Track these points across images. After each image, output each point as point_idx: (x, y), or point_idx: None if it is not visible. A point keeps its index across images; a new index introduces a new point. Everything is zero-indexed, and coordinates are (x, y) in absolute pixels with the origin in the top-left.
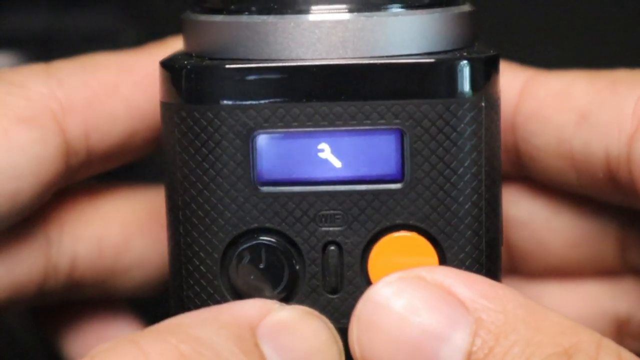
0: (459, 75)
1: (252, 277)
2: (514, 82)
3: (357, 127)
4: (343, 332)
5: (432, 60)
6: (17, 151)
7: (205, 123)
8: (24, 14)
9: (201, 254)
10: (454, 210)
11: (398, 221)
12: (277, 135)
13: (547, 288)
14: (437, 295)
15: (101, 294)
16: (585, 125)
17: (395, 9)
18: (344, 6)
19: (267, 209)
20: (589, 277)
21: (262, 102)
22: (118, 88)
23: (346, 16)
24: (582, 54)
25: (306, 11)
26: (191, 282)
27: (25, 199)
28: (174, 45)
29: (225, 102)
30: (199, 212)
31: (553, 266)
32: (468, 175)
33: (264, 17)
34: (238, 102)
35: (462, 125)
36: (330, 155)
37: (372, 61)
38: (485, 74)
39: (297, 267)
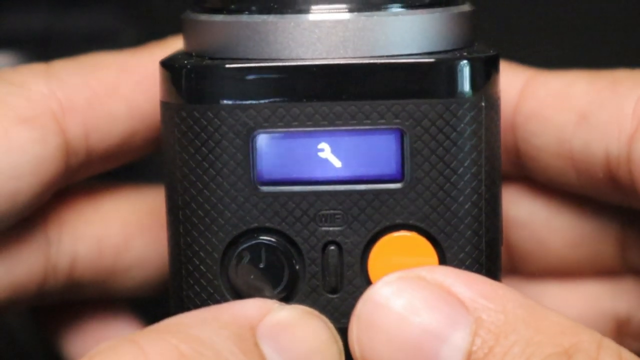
0: (459, 75)
1: (252, 276)
2: (514, 82)
3: (357, 127)
4: (343, 332)
5: (432, 60)
6: (17, 151)
7: (205, 123)
8: (24, 14)
9: (201, 253)
10: (454, 210)
11: (398, 221)
12: (277, 134)
13: (547, 288)
14: (437, 295)
15: (101, 294)
16: (585, 125)
17: (396, 8)
18: (344, 6)
19: (267, 208)
20: (589, 277)
21: (262, 101)
22: (118, 88)
23: (346, 16)
24: (582, 54)
25: (306, 11)
26: (191, 281)
27: (25, 199)
28: (174, 45)
29: (225, 101)
30: (199, 212)
31: (553, 266)
32: (468, 175)
33: (264, 17)
34: (238, 102)
35: (462, 125)
36: (330, 155)
37: (372, 61)
38: (485, 74)
39: (297, 267)
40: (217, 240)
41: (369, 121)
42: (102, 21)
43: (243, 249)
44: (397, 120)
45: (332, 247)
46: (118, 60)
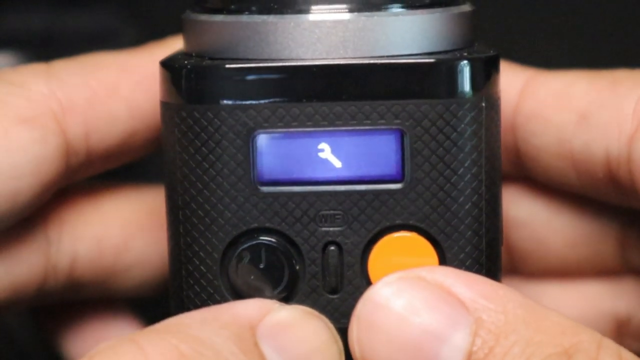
0: (459, 75)
1: (252, 277)
2: (514, 82)
3: (357, 127)
4: (343, 332)
5: (432, 60)
6: (17, 151)
7: (205, 123)
8: (24, 14)
9: (201, 253)
10: (454, 210)
11: (398, 221)
12: (277, 135)
13: (547, 288)
14: (437, 295)
15: (101, 294)
16: (585, 125)
17: (396, 8)
18: (344, 6)
19: (267, 208)
20: (589, 277)
21: (262, 102)
22: (118, 88)
23: (346, 16)
24: (582, 54)
25: (306, 11)
26: (191, 282)
27: (25, 199)
28: (174, 45)
29: (225, 102)
30: (199, 212)
31: (553, 266)
32: (468, 176)
33: (264, 17)
34: (238, 102)
35: (463, 125)
36: (331, 155)
37: (372, 61)
38: (486, 74)
39: (297, 267)
40: (217, 240)
41: (369, 121)
42: (102, 21)
43: (243, 249)
44: (397, 121)
45: (332, 248)
46: (118, 60)
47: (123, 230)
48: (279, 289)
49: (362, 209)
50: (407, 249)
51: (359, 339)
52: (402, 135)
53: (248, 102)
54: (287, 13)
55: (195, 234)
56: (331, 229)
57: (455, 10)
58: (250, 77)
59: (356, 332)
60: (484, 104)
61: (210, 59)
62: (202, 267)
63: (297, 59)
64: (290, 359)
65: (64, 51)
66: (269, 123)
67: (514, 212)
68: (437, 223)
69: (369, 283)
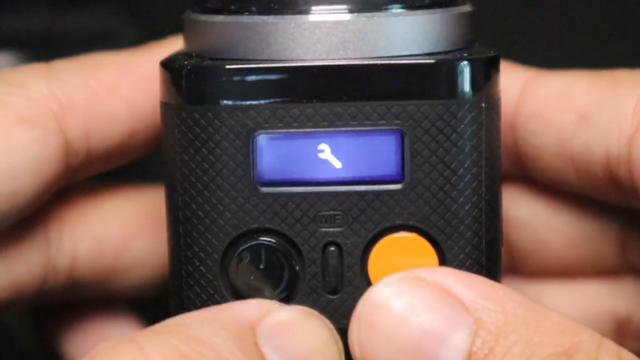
0: (459, 75)
1: (252, 277)
2: (514, 82)
3: (358, 128)
4: (343, 333)
5: (432, 60)
6: (17, 151)
7: (205, 123)
8: (24, 14)
9: (201, 254)
10: (454, 211)
11: (398, 222)
12: (277, 135)
13: (547, 288)
14: (437, 295)
15: (101, 294)
16: (585, 125)
17: (396, 9)
18: (344, 7)
19: (267, 209)
20: (589, 277)
21: (262, 102)
22: (118, 88)
23: (346, 17)
24: (582, 54)
25: (306, 11)
26: (191, 282)
27: (25, 199)
28: (174, 45)
29: (225, 102)
30: (199, 213)
31: (553, 266)
32: (468, 176)
33: (264, 18)
34: (238, 103)
35: (463, 126)
36: (331, 156)
37: (372, 62)
38: (486, 75)
39: (297, 268)
40: (217, 240)
41: (369, 122)
42: (102, 21)
43: (243, 250)
44: (398, 121)
45: (332, 248)
46: (118, 60)
47: (123, 230)
48: (279, 289)
49: (362, 209)
50: (407, 250)
51: (359, 339)
52: (402, 135)
53: (248, 103)
54: (287, 13)
55: (195, 234)
56: (331, 229)
57: (455, 10)
58: (250, 78)
59: (356, 333)
60: (484, 105)
61: (211, 59)
62: (202, 268)
63: (297, 60)
64: (290, 359)
65: (64, 51)
66: (269, 124)
67: (514, 212)
68: (437, 223)
69: (369, 284)
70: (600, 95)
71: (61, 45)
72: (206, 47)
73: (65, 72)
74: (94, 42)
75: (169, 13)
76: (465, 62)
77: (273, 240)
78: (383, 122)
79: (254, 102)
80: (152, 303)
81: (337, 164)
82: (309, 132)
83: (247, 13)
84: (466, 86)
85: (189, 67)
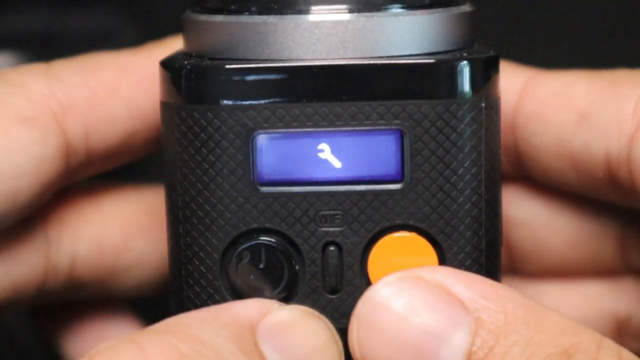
0: (459, 75)
1: (252, 277)
2: (514, 82)
3: (357, 128)
4: (343, 332)
5: (432, 60)
6: (17, 151)
7: (205, 123)
8: (24, 14)
9: (201, 254)
10: (454, 210)
11: (398, 221)
12: (277, 135)
13: (547, 288)
14: (436, 295)
15: (101, 294)
16: (585, 125)
17: (396, 9)
18: (344, 6)
19: (267, 209)
20: (589, 277)
21: (262, 102)
22: (118, 88)
23: (346, 16)
24: (582, 54)
25: (306, 11)
26: (191, 282)
27: (25, 199)
28: (174, 45)
29: (225, 102)
30: (199, 212)
31: (553, 266)
32: (468, 176)
33: (264, 17)
34: (238, 102)
35: (462, 125)
36: (330, 156)
37: (372, 61)
38: (486, 75)
39: (297, 267)
40: (217, 240)
41: (369, 122)
42: (102, 21)
43: (243, 250)
44: (397, 121)
45: (332, 248)
46: (118, 60)
47: (123, 230)
48: (279, 289)
49: (362, 209)
50: (407, 249)
51: (358, 339)
52: (401, 135)
53: (248, 103)
54: (287, 13)
55: (195, 234)
56: (331, 229)
57: (455, 10)
58: (250, 78)
59: (356, 332)
60: (483, 104)
61: (210, 59)
62: (202, 268)
63: (297, 60)
64: (290, 359)
65: (64, 51)
66: (268, 123)
67: (514, 212)
68: (437, 223)
69: (368, 283)
70: (600, 95)
71: (61, 45)
72: (206, 47)
73: (65, 72)
74: (94, 42)
75: (169, 13)
76: (465, 62)
77: (273, 240)
78: (383, 121)
79: (253, 102)
80: (152, 303)
81: (337, 164)
82: (309, 132)
83: (247, 13)
84: (466, 86)
85: (188, 67)
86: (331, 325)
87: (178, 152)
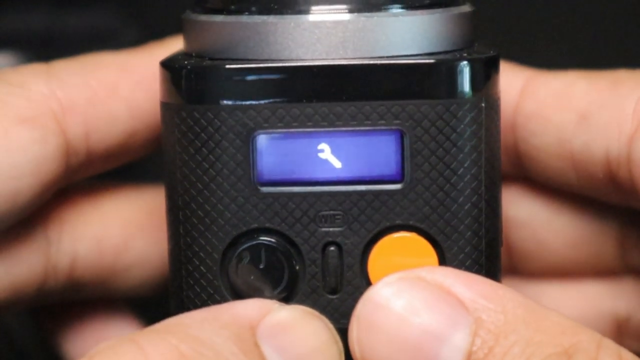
0: (459, 75)
1: (252, 277)
2: (514, 82)
3: (357, 128)
4: (343, 333)
5: (432, 60)
6: (17, 151)
7: (205, 123)
8: (24, 14)
9: (201, 254)
10: (454, 211)
11: (398, 222)
12: (277, 135)
13: (547, 288)
14: (437, 295)
15: (101, 294)
16: (585, 125)
17: (396, 9)
18: (344, 6)
19: (267, 209)
20: (589, 277)
21: (262, 102)
22: (118, 88)
23: (346, 16)
24: (582, 54)
25: (306, 11)
26: (191, 282)
27: (25, 199)
28: (174, 45)
29: (225, 102)
30: (199, 212)
31: (553, 266)
32: (468, 176)
33: (264, 17)
34: (238, 103)
35: (462, 125)
36: (330, 156)
37: (372, 62)
38: (486, 75)
39: (297, 268)
40: (217, 240)
41: (369, 122)
42: (102, 21)
43: (243, 250)
44: (397, 121)
45: (332, 248)
46: (118, 60)
47: (123, 230)
48: (279, 289)
49: (362, 209)
50: (407, 250)
51: (359, 339)
52: (401, 135)
53: (248, 103)
54: (287, 13)
55: (195, 234)
56: (331, 229)
57: (455, 10)
58: (250, 78)
59: (356, 333)
60: (483, 105)
61: (211, 59)
62: (202, 268)
63: (297, 60)
64: (290, 359)
65: (64, 51)
66: (269, 123)
67: (514, 212)
68: (437, 223)
69: (368, 283)
70: (600, 96)
71: (61, 45)
72: (206, 47)
73: (65, 72)
74: (94, 42)
75: (169, 13)
76: (465, 62)
77: (273, 240)
78: (383, 122)
79: (254, 102)
80: (152, 303)
81: (337, 164)
82: (309, 132)
83: (247, 13)
84: (466, 86)
85: (189, 67)
86: (331, 326)
87: (178, 152)
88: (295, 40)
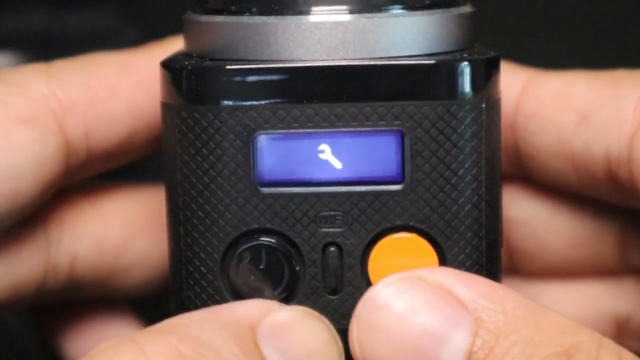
0: (459, 76)
1: (252, 277)
2: (514, 82)
3: (358, 129)
4: (343, 333)
5: (432, 61)
6: (17, 151)
7: (205, 124)
8: (24, 14)
9: (201, 254)
10: (454, 211)
11: (398, 222)
12: (277, 136)
13: (547, 288)
14: (437, 295)
15: (101, 294)
16: (585, 125)
17: (396, 10)
18: (344, 7)
19: (268, 209)
20: (589, 277)
21: (263, 103)
22: (118, 88)
23: (347, 17)
24: (582, 54)
25: (307, 12)
26: (191, 282)
27: (25, 199)
28: (174, 45)
29: (225, 102)
30: (200, 213)
31: (553, 266)
32: (468, 177)
33: (265, 18)
34: (239, 103)
35: (463, 126)
36: (331, 157)
37: (372, 62)
38: (486, 75)
39: (297, 268)
40: (218, 241)
41: (369, 123)
42: (102, 21)
43: (243, 250)
44: (398, 122)
45: (333, 249)
46: (118, 60)
47: (123, 230)
48: (279, 289)
49: (363, 210)
50: (407, 250)
51: (359, 339)
52: (402, 136)
53: (248, 103)
54: (287, 14)
55: (195, 234)
56: (331, 230)
57: (456, 11)
58: (250, 78)
59: (356, 333)
60: (484, 105)
61: (211, 59)
62: (202, 268)
63: (297, 60)
64: (290, 359)
65: (64, 51)
66: (269, 124)
67: (514, 212)
68: (437, 224)
69: (369, 284)
70: (600, 95)
71: (61, 45)
72: (207, 47)
73: (66, 72)
74: (94, 42)
75: (169, 13)
76: (466, 63)
77: (273, 241)
78: (383, 122)
79: (254, 103)
80: (152, 303)
81: (338, 165)
82: (310, 133)
83: (247, 13)
84: (466, 87)
85: (189, 67)
86: (331, 326)
87: (178, 152)
88: (296, 41)
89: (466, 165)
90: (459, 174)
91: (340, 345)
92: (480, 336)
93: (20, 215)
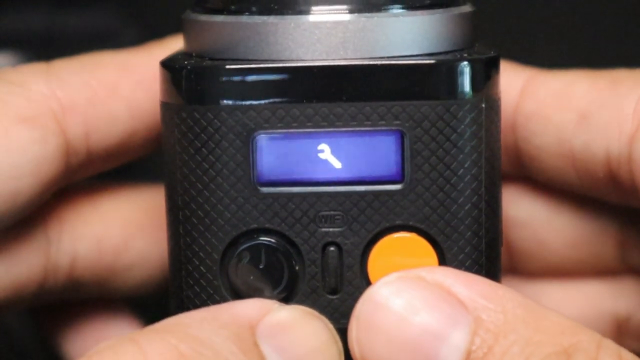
0: (459, 76)
1: (251, 277)
2: (514, 82)
3: (357, 128)
4: (343, 333)
5: (432, 61)
6: (17, 151)
7: (205, 123)
8: (24, 14)
9: (201, 254)
10: (454, 211)
11: (398, 222)
12: (277, 135)
13: (547, 288)
14: (436, 295)
15: (101, 294)
16: (585, 125)
17: (396, 9)
18: (344, 7)
19: (267, 209)
20: (589, 277)
21: (262, 102)
22: (118, 88)
23: (346, 17)
24: (582, 54)
25: (306, 12)
26: (191, 282)
27: (25, 199)
28: (174, 44)
29: (225, 102)
30: (199, 213)
31: (553, 266)
32: (468, 177)
33: (265, 18)
34: (238, 103)
35: (463, 126)
36: (330, 156)
37: (372, 62)
38: (486, 75)
39: (297, 268)
40: (217, 240)
41: (369, 122)
42: (102, 21)
43: (243, 250)
44: (397, 122)
45: (332, 248)
46: (118, 60)
47: (123, 230)
48: (279, 289)
49: (362, 209)
50: (407, 250)
51: (358, 339)
52: (402, 136)
53: (248, 103)
54: (287, 14)
55: (195, 234)
56: (331, 229)
57: (456, 11)
58: (250, 78)
59: (356, 332)
60: (484, 105)
61: (211, 59)
62: (202, 268)
63: (297, 60)
64: (289, 359)
65: (64, 51)
66: (269, 124)
67: (514, 212)
68: (437, 224)
69: (368, 283)
70: (600, 95)
71: (61, 45)
72: (206, 47)
73: (66, 71)
74: (94, 42)
75: (169, 13)
76: (466, 63)
77: (273, 240)
78: (383, 122)
79: (254, 102)
80: (152, 303)
81: (337, 164)
82: (309, 132)
83: (247, 13)
84: (466, 86)
85: (189, 67)
86: (331, 326)
87: (178, 152)
88: (296, 41)
89: (466, 165)
90: (459, 173)
91: (340, 344)
92: (479, 335)
93: (20, 215)
